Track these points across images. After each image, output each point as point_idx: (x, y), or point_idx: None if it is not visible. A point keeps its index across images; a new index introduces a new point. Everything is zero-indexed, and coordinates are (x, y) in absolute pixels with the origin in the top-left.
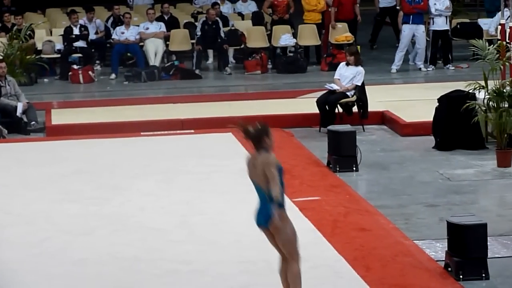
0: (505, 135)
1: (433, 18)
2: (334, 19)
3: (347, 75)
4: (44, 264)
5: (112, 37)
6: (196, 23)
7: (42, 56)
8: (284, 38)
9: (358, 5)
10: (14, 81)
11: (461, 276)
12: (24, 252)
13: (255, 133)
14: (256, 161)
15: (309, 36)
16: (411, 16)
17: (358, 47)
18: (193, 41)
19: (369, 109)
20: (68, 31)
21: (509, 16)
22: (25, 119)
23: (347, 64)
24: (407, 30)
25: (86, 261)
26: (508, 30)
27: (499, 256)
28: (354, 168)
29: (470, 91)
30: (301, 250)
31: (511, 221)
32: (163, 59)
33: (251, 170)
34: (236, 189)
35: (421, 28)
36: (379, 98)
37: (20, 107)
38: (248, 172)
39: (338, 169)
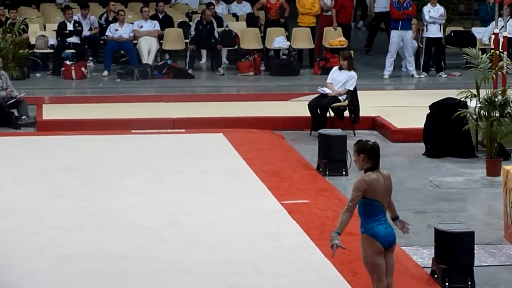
0: (495, 144)
1: (427, 25)
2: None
3: (339, 80)
4: (31, 259)
5: (106, 34)
6: (191, 23)
7: (35, 50)
8: (278, 40)
9: None
10: (6, 74)
11: (447, 284)
12: (11, 247)
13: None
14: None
15: (302, 39)
16: (400, 22)
17: (352, 51)
18: (187, 40)
19: (361, 114)
20: (62, 26)
21: (503, 26)
22: (16, 113)
23: (340, 68)
24: (396, 36)
25: (73, 257)
26: (501, 40)
27: (486, 264)
28: (344, 173)
29: (462, 99)
30: (289, 252)
31: (499, 230)
32: (156, 58)
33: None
34: (225, 190)
35: (409, 33)
36: (371, 103)
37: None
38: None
39: (327, 173)
